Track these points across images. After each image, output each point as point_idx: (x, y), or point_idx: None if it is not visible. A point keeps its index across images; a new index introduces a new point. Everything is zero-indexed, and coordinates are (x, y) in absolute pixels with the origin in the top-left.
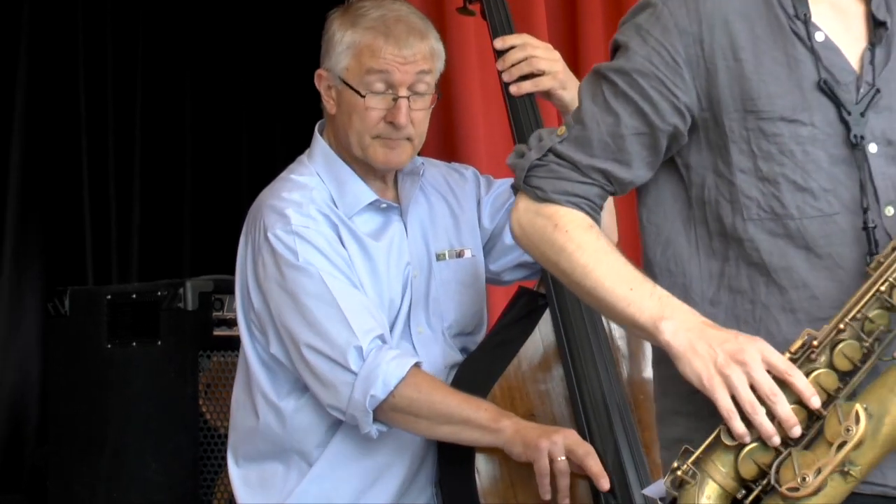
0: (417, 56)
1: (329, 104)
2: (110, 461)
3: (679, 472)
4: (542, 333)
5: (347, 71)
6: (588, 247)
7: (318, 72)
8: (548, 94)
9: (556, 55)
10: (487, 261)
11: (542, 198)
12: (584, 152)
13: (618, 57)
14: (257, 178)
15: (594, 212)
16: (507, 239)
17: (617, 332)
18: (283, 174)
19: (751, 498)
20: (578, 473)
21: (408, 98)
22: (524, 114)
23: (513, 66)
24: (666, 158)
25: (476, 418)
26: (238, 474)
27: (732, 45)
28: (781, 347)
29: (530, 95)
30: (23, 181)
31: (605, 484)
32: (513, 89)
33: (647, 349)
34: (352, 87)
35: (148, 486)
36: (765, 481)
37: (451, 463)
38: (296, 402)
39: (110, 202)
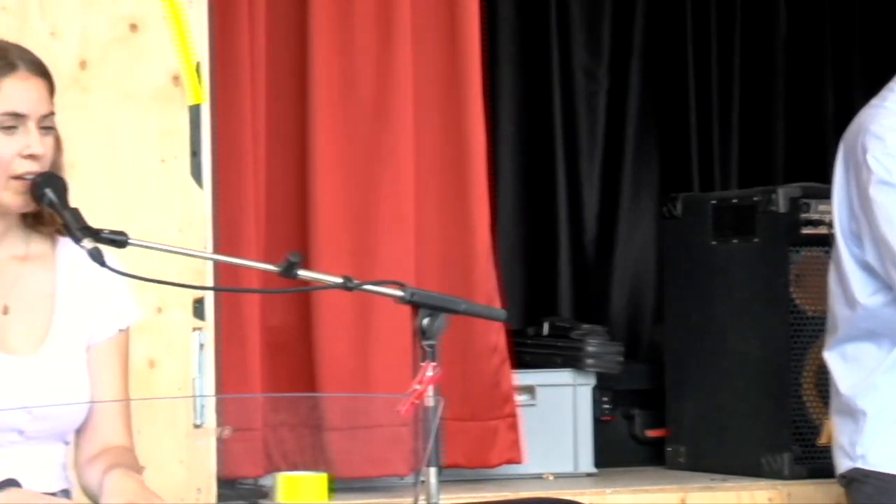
0: None
1: None
2: (715, 337)
3: None
4: None
5: None
6: None
7: None
8: None
9: None
10: None
11: None
12: None
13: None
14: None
15: None
16: None
17: None
18: (878, 101)
19: None
20: None
21: None
22: None
23: None
24: None
25: None
26: (837, 351)
27: None
28: None
29: None
30: (641, 102)
31: None
32: None
33: None
34: None
35: (747, 359)
36: None
37: None
38: (884, 299)
39: (713, 119)
